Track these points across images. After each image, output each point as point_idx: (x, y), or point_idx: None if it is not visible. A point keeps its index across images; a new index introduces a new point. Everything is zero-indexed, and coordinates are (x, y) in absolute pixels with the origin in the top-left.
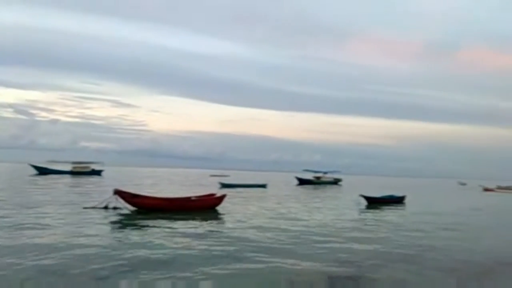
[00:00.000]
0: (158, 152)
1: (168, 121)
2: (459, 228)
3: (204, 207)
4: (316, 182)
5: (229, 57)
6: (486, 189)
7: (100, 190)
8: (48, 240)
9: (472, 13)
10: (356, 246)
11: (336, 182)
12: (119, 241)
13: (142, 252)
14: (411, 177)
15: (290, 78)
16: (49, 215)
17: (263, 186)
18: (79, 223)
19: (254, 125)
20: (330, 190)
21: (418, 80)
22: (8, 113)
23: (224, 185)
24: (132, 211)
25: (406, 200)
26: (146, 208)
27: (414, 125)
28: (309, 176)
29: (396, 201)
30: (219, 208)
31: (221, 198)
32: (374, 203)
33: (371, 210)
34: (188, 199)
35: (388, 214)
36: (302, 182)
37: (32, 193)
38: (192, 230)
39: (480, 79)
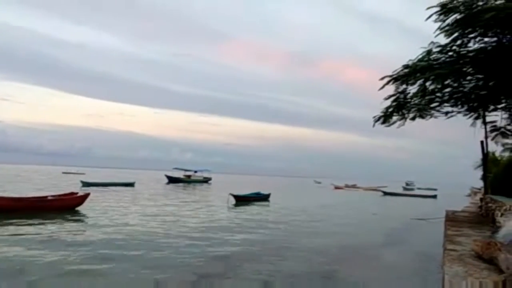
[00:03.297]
0: (6, 146)
1: (21, 111)
2: (315, 221)
3: (63, 208)
4: (186, 181)
5: (98, 47)
6: (337, 187)
7: None
8: None
9: (337, 29)
10: (224, 243)
11: (206, 180)
12: None
13: None
14: (275, 176)
15: (162, 74)
16: None
17: (131, 184)
18: None
19: (122, 120)
20: (200, 189)
21: (284, 86)
22: None
23: (87, 184)
24: None
25: (271, 198)
26: None
27: (279, 128)
28: (179, 174)
29: (262, 198)
30: (81, 208)
31: (84, 197)
32: (242, 200)
33: (239, 208)
34: (44, 198)
35: (254, 210)
36: (172, 180)
37: None
38: (46, 234)
39: (338, 89)
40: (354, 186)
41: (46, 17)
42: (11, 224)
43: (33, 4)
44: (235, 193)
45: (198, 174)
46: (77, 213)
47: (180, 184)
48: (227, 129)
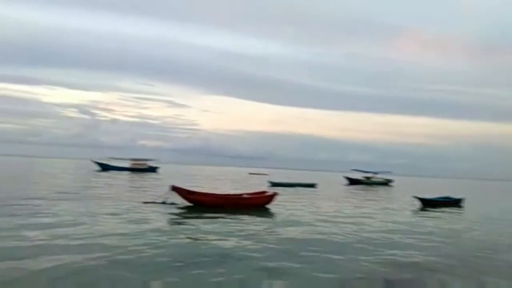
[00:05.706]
0: (209, 151)
1: (218, 121)
2: None
3: (255, 205)
4: (367, 183)
5: (275, 56)
6: None
7: (157, 186)
8: (108, 230)
9: None
10: (412, 250)
11: (387, 183)
12: (174, 235)
13: (197, 247)
14: (465, 178)
15: (338, 77)
16: (112, 208)
17: (313, 185)
18: (138, 216)
19: (302, 124)
20: (382, 191)
21: (467, 77)
22: (73, 113)
23: (274, 184)
24: (188, 207)
25: (464, 203)
26: (201, 204)
27: (471, 125)
28: (359, 176)
29: (453, 203)
30: (270, 207)
31: (272, 196)
32: (429, 205)
33: (426, 213)
34: (240, 196)
35: (445, 217)
36: (352, 182)
37: (96, 187)
38: (246, 227)
39: None
40: None
41: (224, 34)
42: (217, 215)
43: (206, 22)
44: (420, 196)
45: (378, 176)
46: (267, 211)
47: (360, 186)
48: (410, 129)
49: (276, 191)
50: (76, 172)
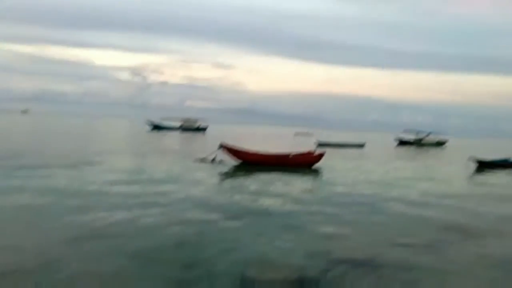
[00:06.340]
0: (255, 111)
1: (265, 81)
2: None
3: (302, 164)
4: (418, 144)
5: (325, 15)
6: None
7: (206, 145)
8: (162, 189)
9: None
10: (461, 213)
11: (440, 144)
12: (225, 190)
13: (246, 202)
14: None
15: (393, 34)
16: (165, 164)
17: (361, 145)
18: (190, 173)
19: (352, 83)
20: (434, 153)
21: None
22: (125, 75)
23: (321, 144)
24: (236, 165)
25: None
26: (249, 162)
27: None
28: (410, 137)
29: None
30: (317, 166)
31: (320, 156)
32: (486, 167)
33: (482, 175)
34: (287, 155)
35: (503, 179)
36: (402, 143)
37: (151, 145)
38: (292, 186)
39: None
40: None
41: None
42: (266, 173)
43: None
44: (477, 157)
45: (431, 137)
46: (313, 170)
47: (411, 147)
48: (472, 88)
49: (323, 151)
50: (131, 131)
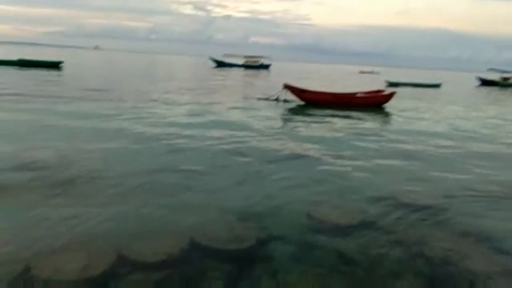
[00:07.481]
0: (321, 48)
1: (333, 14)
2: None
3: (371, 104)
4: (504, 84)
5: None
6: None
7: (269, 83)
8: (225, 127)
9: None
10: None
11: None
12: (288, 132)
13: (310, 143)
14: None
15: None
16: (229, 102)
17: (437, 85)
18: (253, 112)
19: (429, 16)
20: None
21: None
22: (188, 10)
23: (391, 84)
24: (300, 105)
25: None
26: (314, 102)
27: None
28: (495, 76)
29: None
30: (386, 106)
31: (390, 95)
32: None
33: None
34: (355, 95)
35: None
36: (485, 83)
37: (216, 83)
38: (358, 127)
39: None
40: None
41: None
42: (331, 113)
43: None
44: None
45: None
46: (382, 111)
47: (495, 87)
48: None
49: (394, 90)
50: (196, 68)
